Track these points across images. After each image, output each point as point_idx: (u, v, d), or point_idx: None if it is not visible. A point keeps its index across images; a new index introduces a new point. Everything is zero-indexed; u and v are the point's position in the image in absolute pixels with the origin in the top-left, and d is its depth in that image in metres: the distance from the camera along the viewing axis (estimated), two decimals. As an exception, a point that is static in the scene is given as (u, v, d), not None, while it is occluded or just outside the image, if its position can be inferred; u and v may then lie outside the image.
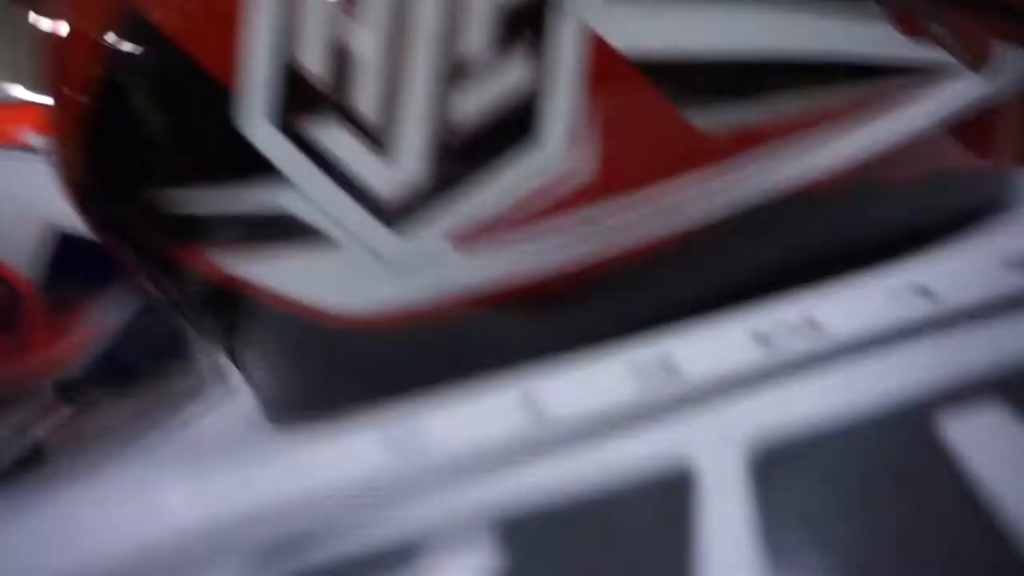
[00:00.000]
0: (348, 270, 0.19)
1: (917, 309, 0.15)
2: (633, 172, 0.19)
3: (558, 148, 0.18)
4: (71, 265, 0.45)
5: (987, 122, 0.23)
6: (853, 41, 0.20)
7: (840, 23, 0.20)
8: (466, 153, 0.18)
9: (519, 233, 0.19)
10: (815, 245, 0.21)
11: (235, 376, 0.25)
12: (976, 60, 0.22)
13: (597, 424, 0.14)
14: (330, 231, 0.19)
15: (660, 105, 0.18)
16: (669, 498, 0.11)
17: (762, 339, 0.15)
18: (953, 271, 0.16)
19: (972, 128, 0.23)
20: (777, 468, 0.11)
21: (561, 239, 0.19)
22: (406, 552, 0.12)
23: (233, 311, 0.21)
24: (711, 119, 0.19)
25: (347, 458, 0.15)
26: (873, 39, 0.20)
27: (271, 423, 0.23)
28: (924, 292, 0.15)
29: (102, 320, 0.48)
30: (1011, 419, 0.10)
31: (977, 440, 0.10)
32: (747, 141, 0.19)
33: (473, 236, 0.19)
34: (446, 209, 0.18)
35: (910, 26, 0.21)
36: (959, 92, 0.22)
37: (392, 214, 0.18)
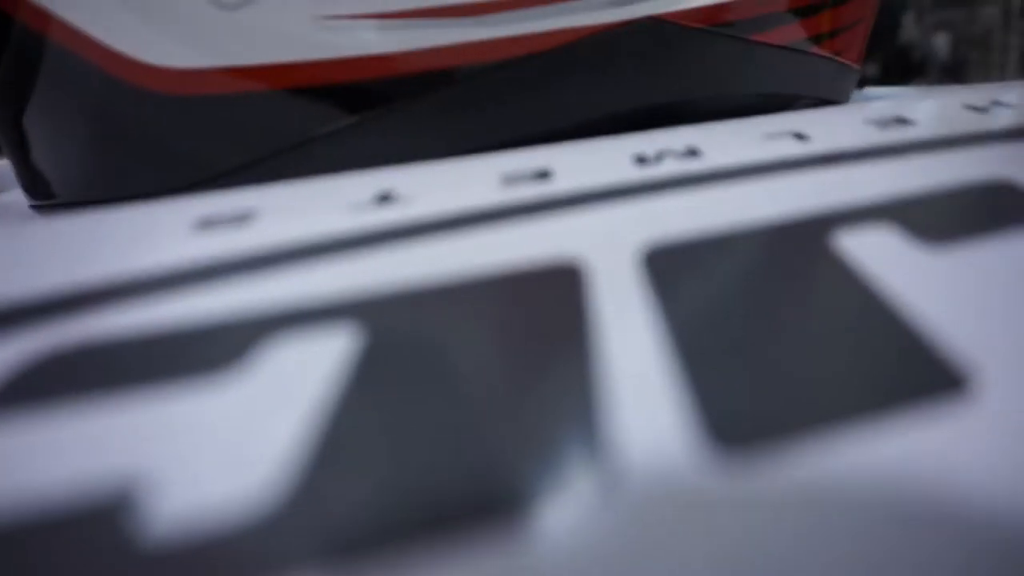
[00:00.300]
0: (182, 18, 0.15)
1: (793, 148, 0.14)
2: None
3: None
4: None
5: (839, 18, 0.24)
6: None
7: None
8: None
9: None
10: (687, 83, 0.21)
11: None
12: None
13: (466, 220, 0.12)
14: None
15: None
16: (558, 286, 0.10)
17: (642, 160, 0.14)
18: (823, 122, 0.16)
19: (826, 19, 0.23)
20: (671, 265, 0.10)
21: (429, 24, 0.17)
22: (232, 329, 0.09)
23: (30, 59, 0.17)
24: None
25: (152, 242, 0.12)
26: None
27: (37, 207, 0.19)
28: (799, 136, 0.15)
29: None
30: (902, 240, 0.10)
31: (871, 254, 0.10)
32: None
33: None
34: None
35: None
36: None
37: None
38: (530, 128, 0.20)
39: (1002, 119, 0.15)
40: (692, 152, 0.15)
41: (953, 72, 0.97)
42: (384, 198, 0.14)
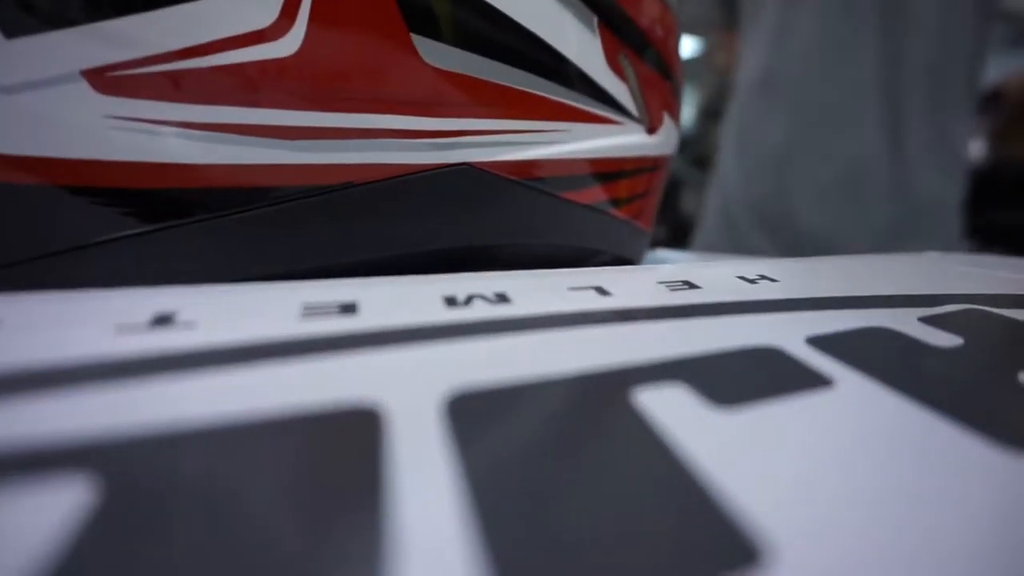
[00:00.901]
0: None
1: (596, 302, 0.15)
2: (339, 62, 0.18)
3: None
4: None
5: (635, 186, 0.27)
6: (563, 37, 0.21)
7: (574, 19, 0.21)
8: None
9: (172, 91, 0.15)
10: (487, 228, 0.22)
11: None
12: (652, 122, 0.26)
13: (257, 352, 0.11)
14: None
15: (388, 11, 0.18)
16: (354, 433, 0.09)
17: (452, 301, 0.14)
18: (622, 280, 0.17)
19: (625, 186, 0.26)
20: (474, 415, 0.09)
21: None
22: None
23: None
24: (440, 57, 0.19)
25: None
26: (580, 46, 0.22)
27: None
28: (601, 291, 0.16)
29: None
30: (695, 399, 0.10)
31: (665, 411, 0.10)
32: (464, 95, 0.19)
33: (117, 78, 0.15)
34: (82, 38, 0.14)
35: (612, 58, 0.23)
36: (629, 140, 0.25)
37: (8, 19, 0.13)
38: (338, 258, 0.20)
39: (768, 292, 0.17)
40: (501, 298, 0.15)
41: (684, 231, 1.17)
42: (162, 320, 0.12)
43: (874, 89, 0.73)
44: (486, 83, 0.21)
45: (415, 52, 0.19)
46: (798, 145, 0.77)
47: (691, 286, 0.17)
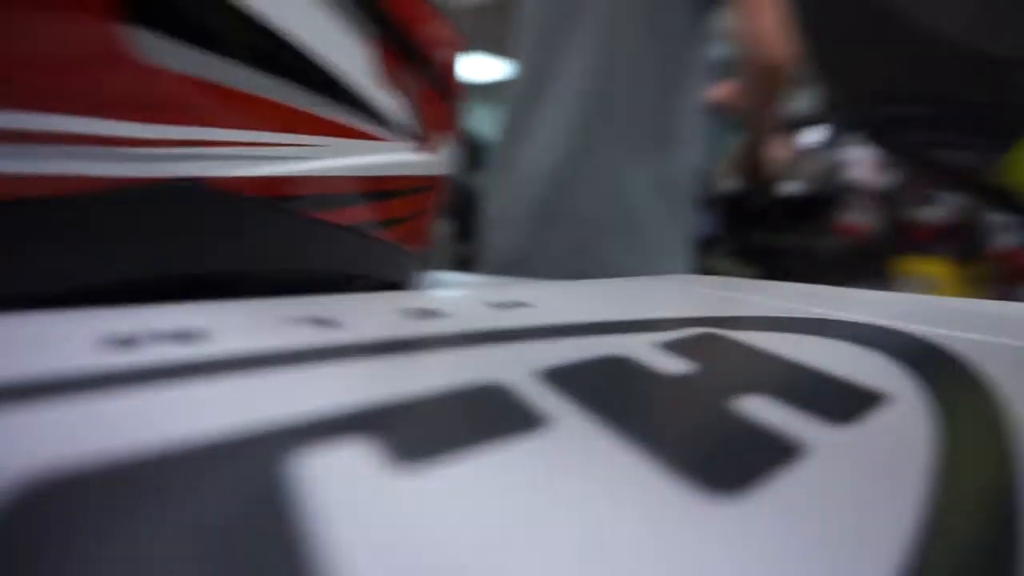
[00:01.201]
0: None
1: (316, 336, 0.13)
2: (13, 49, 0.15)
3: None
4: None
5: (403, 207, 0.25)
6: (325, 43, 0.19)
7: (341, 28, 0.19)
8: None
9: None
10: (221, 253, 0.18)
11: None
12: (427, 140, 0.24)
13: None
14: None
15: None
16: None
17: (114, 341, 0.12)
18: (354, 308, 0.15)
19: (390, 207, 0.24)
20: (64, 503, 0.07)
21: None
22: None
23: None
24: (163, 54, 0.16)
25: None
26: (344, 55, 0.20)
27: None
28: (323, 322, 0.14)
29: None
30: (372, 458, 0.09)
31: (323, 479, 0.08)
32: (192, 100, 0.16)
33: None
34: None
35: (384, 71, 0.21)
36: (399, 159, 0.23)
37: None
38: (41, 284, 0.16)
39: (518, 319, 0.16)
40: (184, 336, 0.12)
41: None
42: None
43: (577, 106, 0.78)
44: (223, 89, 0.18)
45: (128, 45, 0.16)
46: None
47: (434, 314, 0.16)
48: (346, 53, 0.20)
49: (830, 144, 1.22)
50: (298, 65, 0.19)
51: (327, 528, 0.07)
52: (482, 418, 0.10)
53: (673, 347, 0.15)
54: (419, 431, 0.10)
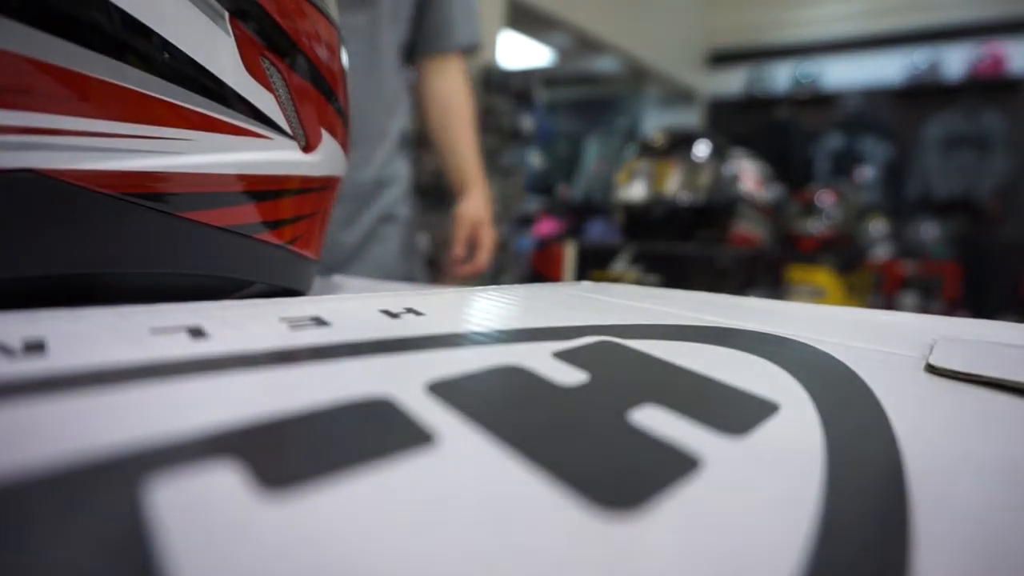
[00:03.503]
0: None
1: (183, 348, 0.12)
2: None
3: None
4: None
5: (294, 207, 0.24)
6: (179, 28, 0.18)
7: (184, 6, 0.18)
8: None
9: None
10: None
11: None
12: (308, 139, 0.23)
13: None
14: None
15: None
16: None
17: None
18: (231, 317, 0.14)
19: (277, 207, 0.23)
20: None
21: None
22: None
23: None
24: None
25: None
26: (204, 42, 0.18)
27: None
28: (195, 332, 0.13)
29: None
30: (239, 482, 0.08)
31: (184, 506, 0.07)
32: (24, 82, 0.15)
33: None
34: None
35: (251, 63, 0.20)
36: (278, 157, 0.22)
37: None
38: None
39: (408, 328, 0.15)
40: (35, 347, 0.11)
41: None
42: None
43: None
44: (64, 71, 0.16)
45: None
46: None
47: (320, 323, 0.15)
48: (204, 38, 0.19)
49: (718, 156, 1.28)
50: (149, 49, 0.17)
51: (182, 564, 0.06)
52: (365, 435, 0.10)
53: (569, 356, 0.14)
54: (293, 451, 0.09)
